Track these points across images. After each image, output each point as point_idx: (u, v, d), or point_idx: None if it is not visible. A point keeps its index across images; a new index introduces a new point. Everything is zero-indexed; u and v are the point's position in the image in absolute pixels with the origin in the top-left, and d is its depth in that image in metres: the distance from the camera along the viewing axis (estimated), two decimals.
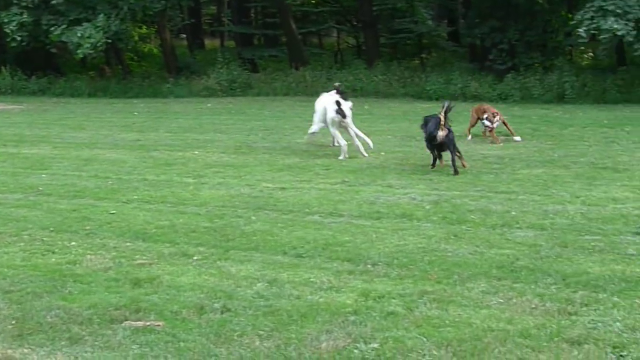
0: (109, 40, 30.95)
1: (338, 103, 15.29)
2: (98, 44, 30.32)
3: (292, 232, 9.40)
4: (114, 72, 38.89)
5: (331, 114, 15.27)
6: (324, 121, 15.71)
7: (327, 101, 15.73)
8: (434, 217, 9.98)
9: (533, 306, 6.71)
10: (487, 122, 16.54)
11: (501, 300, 6.88)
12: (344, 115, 15.28)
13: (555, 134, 17.91)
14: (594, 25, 23.75)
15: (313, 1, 43.35)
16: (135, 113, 25.57)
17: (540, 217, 9.83)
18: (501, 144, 16.07)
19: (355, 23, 41.41)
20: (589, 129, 18.60)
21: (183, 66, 38.11)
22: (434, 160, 13.56)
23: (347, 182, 12.50)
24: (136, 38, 39.94)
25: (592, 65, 31.34)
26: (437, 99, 27.10)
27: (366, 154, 15.06)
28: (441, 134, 13.06)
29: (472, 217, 9.92)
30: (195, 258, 8.38)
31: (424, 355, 5.74)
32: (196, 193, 11.87)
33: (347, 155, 14.80)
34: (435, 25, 40.96)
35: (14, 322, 6.61)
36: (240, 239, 9.12)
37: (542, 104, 25.36)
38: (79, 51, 30.81)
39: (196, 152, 16.13)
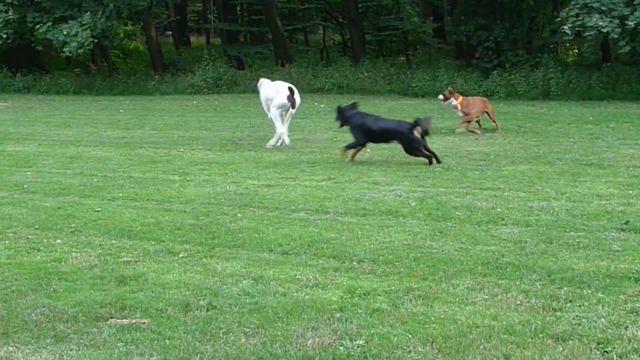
0: (96, 39, 30.88)
1: (291, 90, 16.04)
2: (85, 43, 30.24)
3: (278, 229, 9.40)
4: (99, 70, 38.86)
5: (282, 99, 15.98)
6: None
7: (279, 87, 16.41)
8: (420, 214, 10.00)
9: (518, 302, 6.72)
10: (440, 96, 18.25)
11: (486, 297, 6.90)
12: (293, 105, 16.12)
13: (541, 130, 18.00)
14: (579, 23, 23.89)
15: None
16: (121, 110, 25.54)
17: (526, 214, 9.86)
18: (478, 135, 16.12)
19: (341, 20, 41.48)
20: (573, 126, 18.71)
21: (169, 63, 38.12)
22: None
23: (332, 179, 12.51)
24: (122, 35, 39.86)
25: (577, 62, 31.51)
26: (422, 96, 27.29)
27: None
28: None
29: (458, 213, 9.94)
30: (180, 255, 8.37)
31: (410, 351, 5.75)
32: (182, 190, 11.86)
33: (279, 144, 16.04)
34: (421, 22, 41.03)
35: None
36: (225, 237, 9.11)
37: (527, 101, 25.50)
38: (65, 49, 30.76)
39: (181, 150, 16.12)
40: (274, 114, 15.87)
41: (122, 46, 42.34)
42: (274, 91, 16.30)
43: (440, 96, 18.39)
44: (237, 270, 7.80)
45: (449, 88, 19.15)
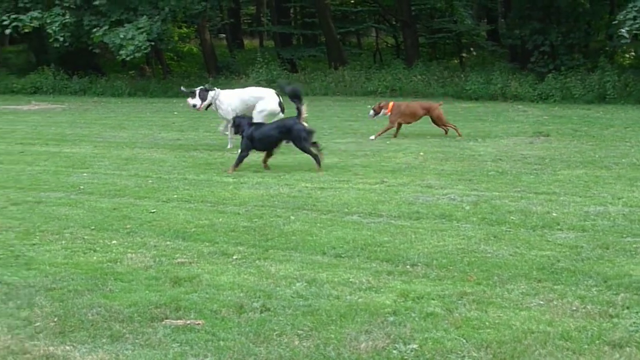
0: (152, 43, 31.14)
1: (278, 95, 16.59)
2: (142, 47, 30.50)
3: (331, 232, 9.40)
4: (153, 72, 39.19)
5: (273, 105, 16.49)
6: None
7: (263, 94, 16.80)
8: (474, 218, 9.93)
9: (574, 308, 6.65)
10: (370, 112, 18.11)
11: (541, 302, 6.83)
12: (283, 110, 16.51)
13: (597, 134, 17.78)
14: (636, 26, 23.57)
15: (352, 1, 43.40)
16: (175, 113, 25.74)
17: (582, 219, 9.75)
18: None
19: (394, 22, 41.37)
20: (630, 130, 18.45)
21: (222, 66, 38.36)
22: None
23: (386, 182, 12.48)
24: (176, 38, 40.19)
25: (634, 65, 31.03)
26: (476, 99, 27.11)
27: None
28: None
29: (512, 218, 9.86)
30: (234, 257, 8.41)
31: (464, 356, 5.72)
32: (235, 192, 11.92)
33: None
34: (475, 24, 40.76)
35: (56, 319, 6.67)
36: (279, 239, 9.14)
37: (583, 104, 25.20)
38: (121, 52, 31.03)
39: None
40: (258, 119, 15.74)
41: (176, 49, 42.63)
42: (253, 98, 16.68)
43: (371, 112, 18.27)
44: (290, 272, 7.82)
45: (379, 102, 18.64)
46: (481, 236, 9.04)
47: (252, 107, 16.48)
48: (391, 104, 18.03)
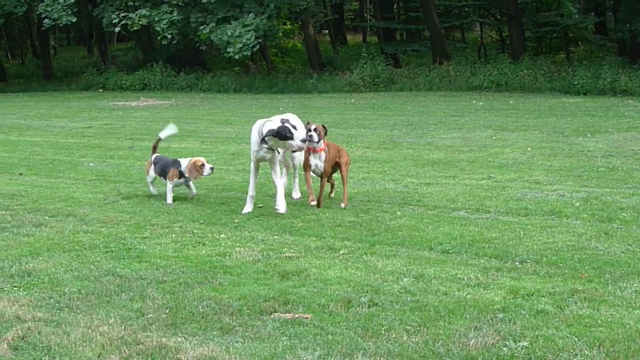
0: (259, 40, 31.42)
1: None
2: (250, 44, 30.78)
3: (438, 227, 9.35)
4: (258, 68, 39.58)
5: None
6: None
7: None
8: (584, 215, 9.75)
9: None
10: (314, 135, 10.70)
11: None
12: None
13: None
14: None
15: None
16: (280, 108, 25.93)
17: None
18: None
19: (499, 17, 40.87)
20: None
21: (326, 61, 38.48)
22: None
23: (492, 178, 12.35)
24: (280, 34, 40.51)
25: None
26: (585, 94, 26.57)
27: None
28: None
29: (624, 215, 9.64)
30: (341, 252, 8.43)
31: (576, 354, 5.61)
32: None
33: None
34: (582, 18, 39.95)
35: (167, 311, 6.79)
36: (385, 234, 9.12)
37: None
38: (229, 50, 31.37)
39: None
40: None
41: (280, 45, 42.97)
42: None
43: (315, 135, 10.75)
44: (397, 267, 7.80)
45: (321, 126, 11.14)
46: (592, 233, 8.87)
47: None
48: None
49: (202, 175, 11.34)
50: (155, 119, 23.83)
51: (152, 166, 11.82)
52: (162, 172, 11.62)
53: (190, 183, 11.62)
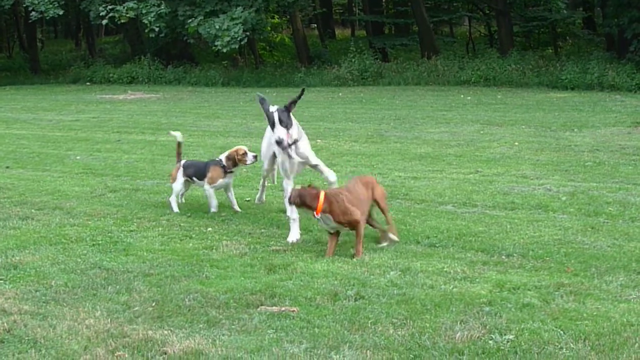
0: (248, 34, 31.35)
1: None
2: (238, 38, 30.70)
3: (425, 221, 9.36)
4: (246, 62, 39.51)
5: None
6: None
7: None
8: (570, 209, 9.77)
9: None
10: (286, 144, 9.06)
11: None
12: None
13: None
14: None
15: None
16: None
17: None
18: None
19: (487, 11, 40.92)
20: None
21: (315, 55, 38.43)
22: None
23: (480, 172, 12.37)
24: (268, 28, 40.43)
25: None
26: (572, 88, 26.59)
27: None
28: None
29: (610, 209, 9.67)
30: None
31: (561, 348, 5.64)
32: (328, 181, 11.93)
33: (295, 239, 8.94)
34: (570, 13, 40.00)
35: (154, 304, 6.79)
36: (372, 228, 9.12)
37: None
38: (217, 43, 31.28)
39: (326, 140, 16.23)
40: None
41: (268, 39, 42.88)
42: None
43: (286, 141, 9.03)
44: (384, 261, 7.82)
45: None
46: (578, 227, 8.90)
47: None
48: None
49: (246, 164, 10.31)
50: (142, 112, 23.79)
51: (181, 170, 10.54)
52: (200, 175, 10.36)
53: (231, 192, 10.43)
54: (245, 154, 10.24)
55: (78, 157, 15.13)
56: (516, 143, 15.04)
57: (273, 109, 9.15)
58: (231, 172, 10.33)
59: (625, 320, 6.11)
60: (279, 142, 8.96)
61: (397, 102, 24.20)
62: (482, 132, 16.99)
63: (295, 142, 9.22)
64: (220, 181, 10.28)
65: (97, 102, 27.61)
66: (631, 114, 19.08)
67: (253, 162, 10.37)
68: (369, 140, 16.17)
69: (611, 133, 16.19)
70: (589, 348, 5.62)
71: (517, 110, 20.85)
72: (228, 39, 30.66)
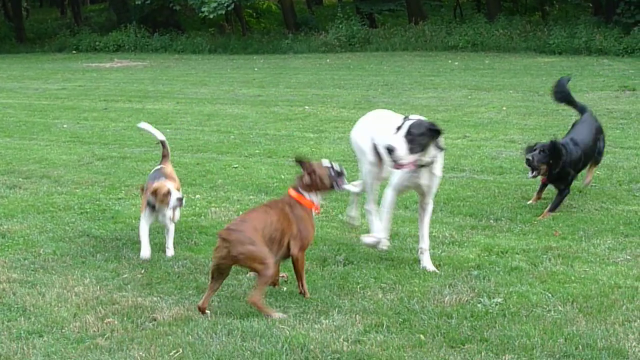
0: (235, 0, 31.14)
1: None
2: (225, 3, 30.49)
3: None
4: (233, 29, 39.26)
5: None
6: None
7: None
8: None
9: None
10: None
11: (629, 257, 6.74)
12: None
13: None
14: None
15: None
16: (256, 69, 25.81)
17: None
18: None
19: None
20: None
21: (302, 22, 38.19)
22: None
23: (468, 137, 12.37)
24: None
25: None
26: (560, 53, 26.56)
27: None
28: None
29: (598, 172, 9.67)
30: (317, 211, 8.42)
31: (549, 310, 5.66)
32: (317, 148, 11.93)
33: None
34: None
35: (142, 271, 6.80)
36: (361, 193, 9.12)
37: None
38: (203, 10, 31.09)
39: (314, 107, 16.20)
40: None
41: (255, 6, 42.60)
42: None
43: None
44: None
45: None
46: None
47: None
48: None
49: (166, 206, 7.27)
50: (129, 80, 23.66)
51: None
52: None
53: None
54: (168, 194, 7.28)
55: (65, 126, 15.06)
56: (504, 108, 15.03)
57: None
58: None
59: (612, 282, 6.14)
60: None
61: (385, 68, 24.13)
62: (469, 97, 16.97)
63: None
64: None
65: (84, 71, 27.44)
66: (618, 78, 19.08)
67: (176, 206, 7.36)
68: (357, 107, 16.12)
69: (599, 97, 16.18)
70: (577, 310, 5.65)
71: (504, 75, 20.83)
72: (214, 4, 30.48)
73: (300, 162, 6.34)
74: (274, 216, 5.97)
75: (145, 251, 7.14)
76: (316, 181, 6.26)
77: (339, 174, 6.34)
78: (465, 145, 11.76)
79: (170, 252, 7.29)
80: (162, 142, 8.43)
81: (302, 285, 6.17)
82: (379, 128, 7.18)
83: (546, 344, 5.11)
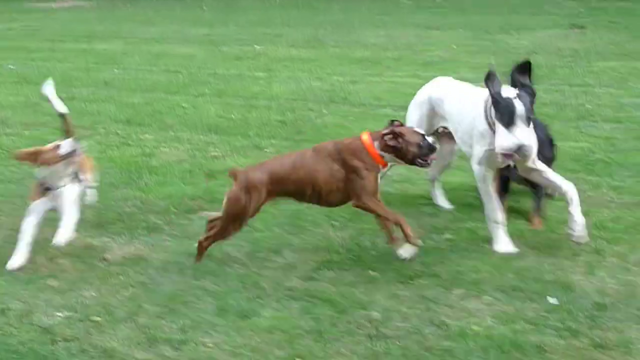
0: None
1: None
2: None
3: (364, 125, 9.31)
4: None
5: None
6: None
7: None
8: None
9: (609, 199, 6.64)
10: None
11: None
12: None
13: (633, 26, 17.44)
14: None
15: None
16: (205, 8, 25.52)
17: (617, 110, 9.66)
18: None
19: None
20: None
21: None
22: None
23: (418, 75, 12.36)
24: None
25: None
26: None
27: None
28: None
29: (547, 110, 9.74)
30: (267, 150, 8.43)
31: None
32: (267, 87, 11.88)
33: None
34: None
35: (93, 212, 6.74)
36: (311, 132, 9.13)
37: None
38: None
39: (264, 46, 16.08)
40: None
41: None
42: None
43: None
44: None
45: None
46: None
47: None
48: None
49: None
50: (76, 20, 23.34)
51: None
52: None
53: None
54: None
55: (11, 66, 14.80)
56: (454, 46, 15.05)
57: (510, 92, 6.04)
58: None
59: (560, 218, 6.19)
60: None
61: (335, 7, 23.99)
62: (420, 36, 16.96)
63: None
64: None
65: (29, 11, 26.92)
66: (568, 16, 19.17)
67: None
68: (307, 45, 16.06)
69: (548, 35, 16.26)
70: (525, 246, 5.72)
71: (455, 14, 20.83)
72: None
73: (391, 121, 5.73)
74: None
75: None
76: (401, 147, 5.51)
77: (431, 149, 5.54)
78: (415, 83, 11.70)
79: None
80: (63, 115, 6.67)
81: (403, 231, 5.43)
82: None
83: (495, 278, 5.18)
